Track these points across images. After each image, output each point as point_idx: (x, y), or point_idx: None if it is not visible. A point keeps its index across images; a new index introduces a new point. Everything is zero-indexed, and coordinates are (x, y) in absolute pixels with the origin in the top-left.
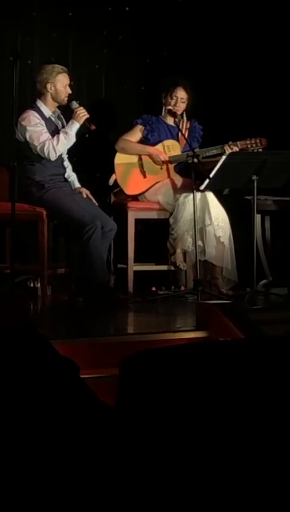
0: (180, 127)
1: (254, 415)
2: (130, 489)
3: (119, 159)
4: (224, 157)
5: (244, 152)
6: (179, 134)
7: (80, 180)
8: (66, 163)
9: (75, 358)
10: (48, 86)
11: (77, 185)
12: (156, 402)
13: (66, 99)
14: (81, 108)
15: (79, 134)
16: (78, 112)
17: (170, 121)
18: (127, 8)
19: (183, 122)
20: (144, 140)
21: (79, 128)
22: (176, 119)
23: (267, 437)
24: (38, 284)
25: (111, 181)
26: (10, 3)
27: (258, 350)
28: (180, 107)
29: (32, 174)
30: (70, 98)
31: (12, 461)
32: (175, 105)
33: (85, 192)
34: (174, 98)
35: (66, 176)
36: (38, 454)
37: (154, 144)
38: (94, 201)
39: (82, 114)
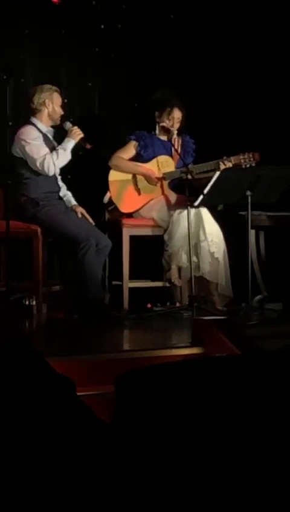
0: (173, 142)
1: (251, 430)
2: (127, 505)
3: (113, 176)
4: (218, 173)
5: (238, 168)
6: (173, 150)
7: (74, 198)
8: (60, 183)
9: (70, 375)
10: (46, 102)
11: (73, 202)
12: (152, 419)
13: (59, 119)
14: (76, 127)
15: (72, 152)
16: (73, 131)
17: (164, 137)
18: (119, 26)
19: (175, 138)
20: (137, 157)
21: (73, 147)
22: (169, 136)
23: (264, 452)
24: (34, 302)
25: (106, 199)
26: (2, 21)
27: (254, 366)
28: (176, 127)
29: (26, 191)
30: (63, 119)
31: (10, 478)
32: (172, 125)
33: (80, 211)
34: (171, 119)
35: (61, 194)
36: (36, 470)
37: (148, 160)
38: (90, 220)
39: (77, 133)
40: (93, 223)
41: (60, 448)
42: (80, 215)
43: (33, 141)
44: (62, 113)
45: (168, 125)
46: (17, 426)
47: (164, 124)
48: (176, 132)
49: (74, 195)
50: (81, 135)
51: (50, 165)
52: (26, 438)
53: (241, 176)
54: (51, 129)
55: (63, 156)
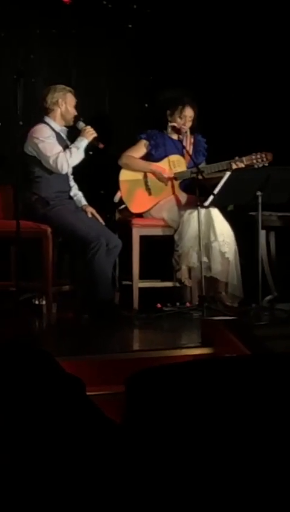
0: (185, 142)
1: (261, 431)
2: (135, 505)
3: (124, 176)
4: (228, 173)
5: (248, 168)
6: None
7: (85, 198)
8: (72, 182)
9: (80, 375)
10: (60, 101)
11: (84, 202)
12: (162, 419)
13: (72, 119)
14: (89, 127)
15: (84, 151)
16: (86, 130)
17: (175, 136)
18: (130, 25)
19: (187, 137)
20: (148, 156)
21: (86, 146)
22: (180, 136)
23: (275, 453)
24: (44, 302)
25: (116, 198)
26: (13, 21)
27: (264, 366)
28: (188, 126)
29: (37, 190)
30: (76, 119)
31: (19, 477)
32: (184, 124)
33: (90, 211)
34: (183, 117)
35: (72, 194)
36: (45, 470)
37: (159, 160)
38: (100, 219)
39: (90, 132)
40: (104, 223)
41: (70, 448)
42: (90, 215)
43: (46, 139)
44: (75, 113)
45: (180, 124)
46: (26, 426)
47: (174, 123)
48: (188, 131)
49: (84, 195)
50: (94, 135)
51: (64, 163)
52: (36, 437)
53: (251, 176)
54: (64, 128)
55: (76, 154)
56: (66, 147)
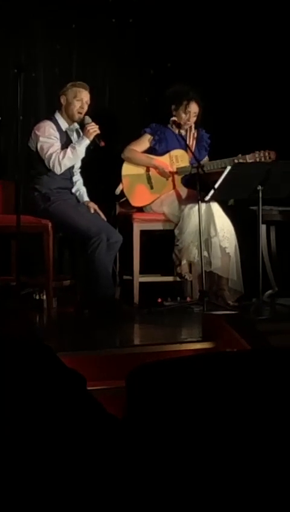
0: (188, 136)
1: (261, 426)
2: (136, 500)
3: (127, 170)
4: (229, 168)
5: (249, 163)
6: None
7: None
8: (77, 176)
9: (81, 370)
10: (62, 98)
11: (86, 198)
12: (163, 413)
13: (79, 115)
14: (93, 124)
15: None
16: (88, 128)
17: (177, 130)
18: (130, 20)
19: (191, 131)
20: (151, 150)
21: (86, 145)
22: (181, 130)
23: (275, 449)
24: (44, 296)
25: (118, 190)
26: (14, 15)
27: (265, 361)
28: (192, 121)
29: (39, 185)
30: (84, 115)
31: (19, 472)
32: (188, 120)
33: (93, 207)
34: (187, 113)
35: (74, 189)
36: (45, 466)
37: (161, 154)
38: (102, 215)
39: (92, 130)
40: (105, 219)
41: (71, 443)
42: (92, 211)
43: (46, 138)
44: (80, 109)
45: (184, 119)
46: (27, 421)
47: (175, 118)
48: (193, 126)
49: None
50: (97, 132)
51: (55, 164)
52: (37, 433)
53: (252, 170)
54: (75, 126)
55: (72, 155)
56: (67, 147)
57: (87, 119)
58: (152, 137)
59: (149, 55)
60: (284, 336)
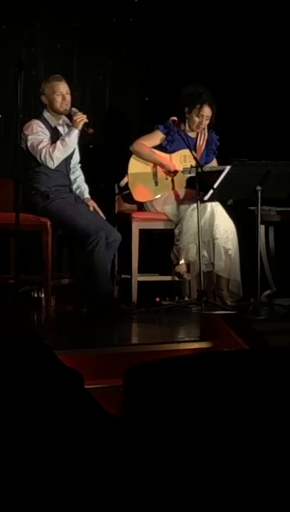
0: (199, 138)
1: (258, 425)
2: (135, 500)
3: (134, 165)
4: (228, 168)
5: (249, 162)
6: (197, 145)
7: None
8: (78, 172)
9: (79, 368)
10: (42, 97)
11: (86, 195)
12: (161, 412)
13: (64, 107)
14: (80, 113)
15: (83, 144)
16: (75, 118)
17: (191, 133)
18: (131, 19)
19: (202, 133)
20: (160, 148)
21: (83, 137)
22: (180, 129)
23: (273, 447)
24: (42, 294)
25: (122, 183)
26: (14, 14)
27: (262, 361)
28: (205, 124)
29: (37, 184)
30: (71, 106)
31: (16, 469)
32: (201, 123)
33: (92, 205)
34: (200, 116)
35: (75, 186)
36: (42, 463)
37: (171, 153)
38: (101, 214)
39: (79, 119)
40: (104, 217)
41: (68, 441)
42: (91, 209)
43: (34, 135)
44: (64, 102)
45: (197, 122)
46: (24, 418)
47: (174, 118)
48: (205, 128)
49: None
50: (84, 121)
51: (47, 158)
52: (33, 430)
53: (251, 170)
54: (66, 119)
55: (62, 147)
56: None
57: (74, 110)
58: (165, 137)
59: (149, 54)
60: (282, 336)
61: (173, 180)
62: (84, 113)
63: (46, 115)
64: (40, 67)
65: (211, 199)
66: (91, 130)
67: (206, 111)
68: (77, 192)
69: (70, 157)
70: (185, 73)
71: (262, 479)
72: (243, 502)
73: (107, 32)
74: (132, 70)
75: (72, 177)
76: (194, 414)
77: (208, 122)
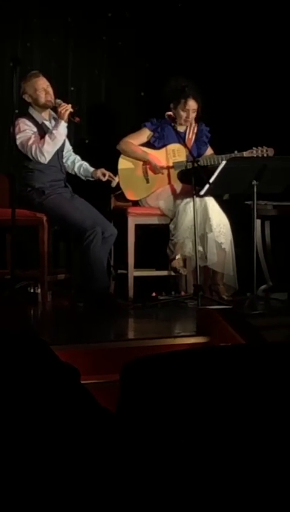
0: (188, 131)
1: (255, 421)
2: (131, 495)
3: (123, 163)
4: (224, 162)
5: (244, 157)
6: (186, 139)
7: (80, 187)
8: (72, 156)
9: (75, 364)
10: (25, 96)
11: (91, 168)
12: (157, 407)
13: (50, 101)
14: (64, 104)
15: (78, 139)
16: (59, 109)
17: (180, 127)
18: (127, 14)
19: (191, 126)
20: (148, 144)
21: (76, 131)
22: (178, 128)
23: (268, 443)
24: (39, 290)
25: (114, 183)
26: (10, 9)
27: (259, 355)
28: (192, 117)
29: (31, 181)
30: (55, 98)
31: (13, 467)
32: (188, 117)
33: (103, 173)
34: (186, 111)
35: (77, 166)
36: (38, 459)
37: (159, 149)
38: (115, 179)
39: (64, 110)
40: (117, 180)
41: (64, 437)
42: (107, 177)
43: (22, 133)
44: (44, 98)
45: (184, 117)
46: (20, 414)
47: (170, 113)
48: (192, 122)
49: (80, 183)
50: (69, 110)
51: (38, 154)
52: (29, 425)
53: (247, 165)
54: (52, 114)
55: (51, 140)
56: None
57: (58, 101)
58: (152, 134)
59: (145, 49)
60: (278, 330)
61: (166, 175)
62: (68, 103)
63: (32, 111)
64: (36, 62)
65: (207, 194)
66: (77, 119)
67: (192, 104)
68: (81, 171)
69: (61, 150)
70: (181, 68)
71: (260, 475)
72: (241, 499)
73: (102, 27)
74: (128, 65)
75: (69, 161)
76: (190, 409)
77: (195, 115)
